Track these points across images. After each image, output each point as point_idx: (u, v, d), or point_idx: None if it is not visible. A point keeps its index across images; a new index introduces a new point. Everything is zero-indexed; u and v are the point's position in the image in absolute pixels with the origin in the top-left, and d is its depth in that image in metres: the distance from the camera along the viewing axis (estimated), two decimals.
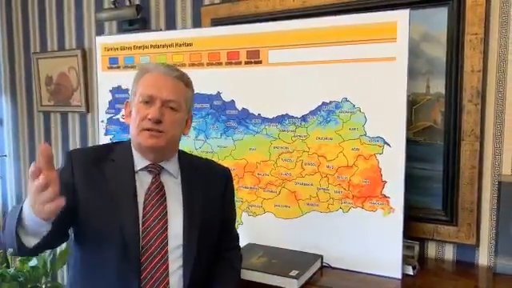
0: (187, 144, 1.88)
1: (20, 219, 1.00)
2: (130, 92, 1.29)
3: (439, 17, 1.62)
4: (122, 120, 2.08)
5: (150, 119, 1.18)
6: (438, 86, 1.65)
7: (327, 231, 1.63)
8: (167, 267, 1.17)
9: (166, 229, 1.19)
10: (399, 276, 1.51)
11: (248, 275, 1.49)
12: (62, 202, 0.93)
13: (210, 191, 1.31)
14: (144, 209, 1.19)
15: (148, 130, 1.19)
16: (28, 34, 2.88)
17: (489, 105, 1.59)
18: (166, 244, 1.18)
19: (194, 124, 1.88)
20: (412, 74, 1.56)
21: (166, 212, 1.21)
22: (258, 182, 1.76)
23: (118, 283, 1.14)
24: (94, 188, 1.18)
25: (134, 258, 1.14)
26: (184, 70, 1.83)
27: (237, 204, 1.78)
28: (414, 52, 1.63)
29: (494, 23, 1.56)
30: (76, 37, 2.66)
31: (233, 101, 1.80)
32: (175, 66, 1.38)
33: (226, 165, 1.78)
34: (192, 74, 1.84)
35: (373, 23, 1.52)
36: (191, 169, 1.32)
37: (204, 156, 1.83)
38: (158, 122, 1.18)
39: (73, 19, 2.66)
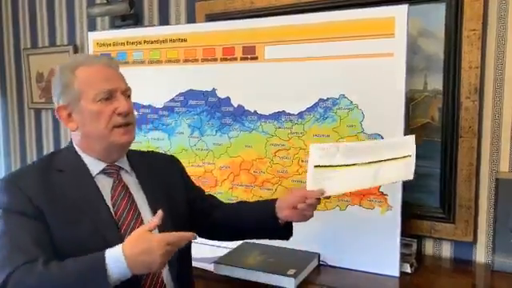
0: (181, 142, 1.85)
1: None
2: (60, 95, 1.15)
3: (437, 12, 1.60)
4: None
5: (120, 113, 1.13)
6: (436, 83, 1.64)
7: (324, 229, 1.61)
8: None
9: None
10: (397, 274, 1.50)
11: (245, 274, 1.47)
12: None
13: (167, 179, 1.29)
14: (116, 213, 1.14)
15: (120, 126, 1.14)
16: (18, 29, 2.82)
17: (487, 101, 1.58)
18: None
19: (188, 121, 1.85)
20: (409, 70, 1.54)
21: (139, 212, 1.17)
22: (254, 179, 1.74)
23: None
24: (58, 207, 1.09)
25: None
26: (179, 66, 1.86)
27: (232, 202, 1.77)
28: (412, 48, 1.61)
29: (491, 19, 1.55)
30: (68, 32, 2.61)
31: (228, 97, 1.77)
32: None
33: (221, 163, 1.79)
34: (187, 70, 1.85)
35: (370, 18, 1.50)
36: (142, 163, 1.28)
37: (200, 154, 1.82)
38: (128, 113, 1.15)
39: (64, 14, 2.61)
